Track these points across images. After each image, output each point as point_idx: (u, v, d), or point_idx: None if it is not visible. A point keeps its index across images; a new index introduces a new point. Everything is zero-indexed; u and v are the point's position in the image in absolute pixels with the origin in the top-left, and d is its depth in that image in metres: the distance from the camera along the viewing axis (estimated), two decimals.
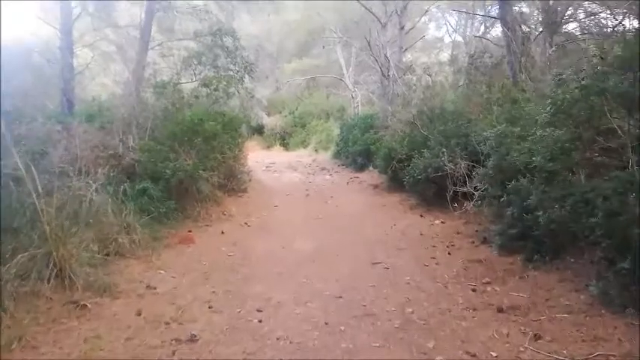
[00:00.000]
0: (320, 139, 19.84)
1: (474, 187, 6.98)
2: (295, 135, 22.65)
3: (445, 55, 25.65)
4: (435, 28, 27.53)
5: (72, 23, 11.37)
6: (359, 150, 13.67)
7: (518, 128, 6.09)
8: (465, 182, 7.31)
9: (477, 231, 6.60)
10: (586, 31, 12.04)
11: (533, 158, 4.91)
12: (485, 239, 6.06)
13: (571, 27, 12.33)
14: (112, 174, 6.51)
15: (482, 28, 21.61)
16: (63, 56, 11.15)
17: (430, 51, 26.71)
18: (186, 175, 7.42)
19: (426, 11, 17.47)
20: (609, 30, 10.64)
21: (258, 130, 24.91)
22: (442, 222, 7.23)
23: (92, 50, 11.90)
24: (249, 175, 12.10)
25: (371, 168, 13.11)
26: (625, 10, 9.83)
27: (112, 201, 6.17)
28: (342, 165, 15.10)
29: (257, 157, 17.27)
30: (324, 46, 19.22)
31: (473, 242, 6.10)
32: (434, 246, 6.07)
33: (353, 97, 19.96)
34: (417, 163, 8.49)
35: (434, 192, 8.24)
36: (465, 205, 6.87)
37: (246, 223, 7.76)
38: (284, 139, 23.16)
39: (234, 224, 7.71)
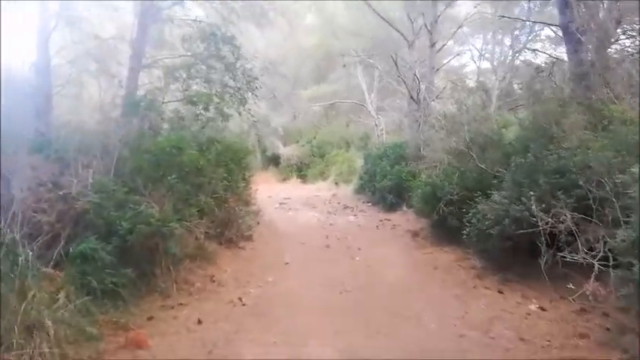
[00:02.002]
0: (340, 170, 17.24)
1: (593, 255, 4.27)
2: (313, 166, 20.12)
3: (470, 82, 23.14)
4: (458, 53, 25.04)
5: (49, 35, 9.17)
6: (389, 185, 11.00)
7: None
8: (569, 244, 4.59)
9: (607, 329, 3.86)
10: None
11: None
12: None
13: None
14: (10, 235, 3.96)
15: (511, 52, 19.19)
16: (38, 73, 8.92)
17: (454, 77, 24.21)
18: (152, 230, 4.85)
19: (460, 27, 14.97)
20: None
21: (274, 160, 22.52)
22: (540, 308, 4.47)
23: (72, 67, 9.63)
24: (257, 216, 9.59)
25: (405, 208, 10.43)
26: None
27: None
28: (368, 202, 12.40)
29: (271, 191, 14.76)
30: (344, 65, 16.87)
31: None
32: None
33: (376, 125, 17.40)
34: (483, 209, 5.81)
35: (511, 252, 5.50)
36: (586, 286, 4.11)
37: (240, 300, 5.10)
38: (301, 171, 20.64)
39: (222, 301, 5.06)
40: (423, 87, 13.12)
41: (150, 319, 4.42)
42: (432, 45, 13.51)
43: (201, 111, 7.09)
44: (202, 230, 6.00)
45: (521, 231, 4.92)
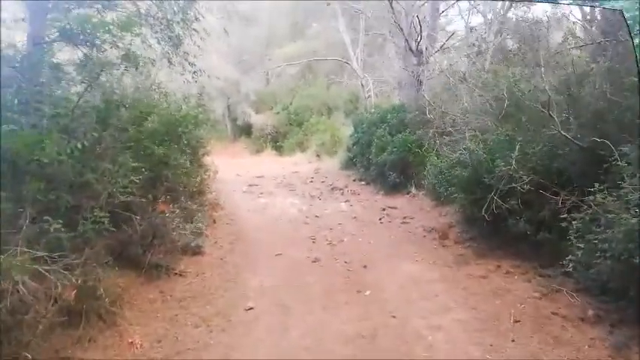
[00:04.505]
0: (322, 140, 14.16)
1: None
2: (290, 136, 16.92)
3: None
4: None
5: None
6: (392, 160, 8.00)
7: None
8: None
9: None
10: None
11: None
12: None
13: None
14: None
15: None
16: None
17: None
18: None
19: None
20: None
21: (246, 130, 19.19)
22: None
23: None
24: (215, 210, 6.71)
25: (413, 190, 7.55)
26: None
27: None
28: (361, 181, 9.42)
29: (241, 167, 11.68)
30: (328, 4, 13.49)
31: None
32: None
33: (363, 86, 14.29)
34: (619, 219, 2.95)
35: None
36: None
37: None
38: (276, 142, 17.44)
39: None
40: (424, 34, 10.06)
41: None
42: None
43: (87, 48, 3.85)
44: (75, 275, 2.98)
45: None
